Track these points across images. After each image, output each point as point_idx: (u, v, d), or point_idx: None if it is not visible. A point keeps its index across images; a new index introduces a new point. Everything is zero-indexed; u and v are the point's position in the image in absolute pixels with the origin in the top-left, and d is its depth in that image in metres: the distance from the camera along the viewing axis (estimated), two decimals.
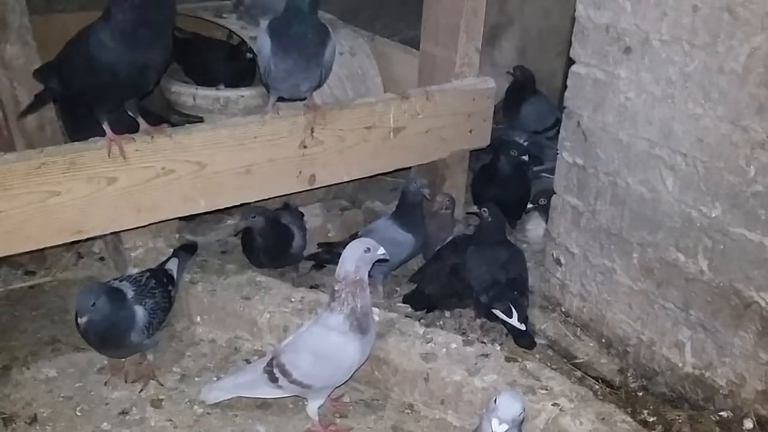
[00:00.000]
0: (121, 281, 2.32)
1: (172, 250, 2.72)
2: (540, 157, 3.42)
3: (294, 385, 2.09)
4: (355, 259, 2.05)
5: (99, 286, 2.26)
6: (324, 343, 2.07)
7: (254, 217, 2.67)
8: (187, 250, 2.66)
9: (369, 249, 2.06)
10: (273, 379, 2.11)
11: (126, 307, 2.21)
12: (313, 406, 2.15)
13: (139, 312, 2.23)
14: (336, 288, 2.07)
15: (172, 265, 2.50)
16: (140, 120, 2.41)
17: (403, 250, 2.80)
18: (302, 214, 3.05)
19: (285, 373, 2.08)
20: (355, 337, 2.06)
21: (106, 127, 2.31)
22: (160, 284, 2.36)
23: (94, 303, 2.10)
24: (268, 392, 2.18)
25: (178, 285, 2.51)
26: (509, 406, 1.60)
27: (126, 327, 2.20)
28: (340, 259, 2.08)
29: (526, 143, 3.54)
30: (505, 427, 1.58)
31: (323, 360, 2.07)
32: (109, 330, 2.18)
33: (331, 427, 2.21)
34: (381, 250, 2.08)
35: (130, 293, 2.25)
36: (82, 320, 2.08)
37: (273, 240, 2.74)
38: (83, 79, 2.25)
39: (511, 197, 3.13)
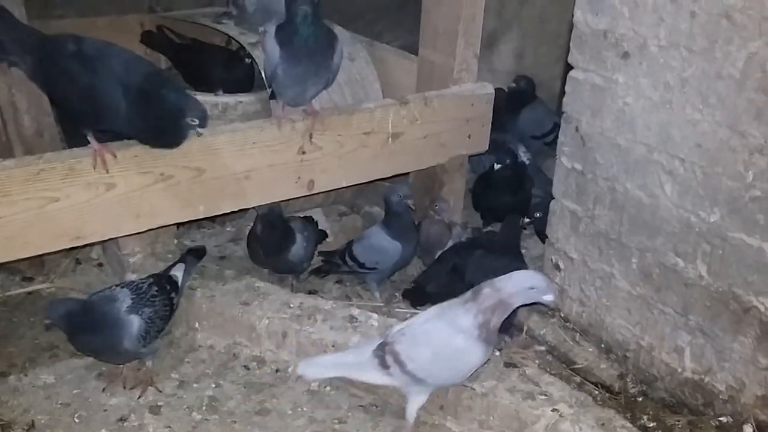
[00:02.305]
0: (121, 288, 2.31)
1: (170, 255, 2.72)
2: (532, 178, 3.41)
3: (406, 376, 2.04)
4: (518, 287, 1.98)
5: (66, 302, 2.27)
6: (448, 344, 2.00)
7: (268, 211, 2.70)
8: (194, 254, 2.64)
9: (534, 288, 1.98)
10: (384, 365, 2.06)
11: (115, 317, 2.20)
12: (414, 407, 2.12)
13: (135, 321, 2.21)
14: (483, 292, 1.99)
15: (178, 271, 2.48)
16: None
17: (390, 258, 2.81)
18: (325, 236, 3.08)
19: (399, 363, 2.03)
20: (480, 344, 1.99)
21: (91, 137, 2.28)
22: (162, 291, 2.34)
23: (53, 318, 2.17)
24: (377, 377, 2.10)
25: (183, 291, 2.50)
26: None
27: (117, 336, 2.20)
28: (509, 274, 2.02)
29: (528, 160, 3.55)
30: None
31: (443, 360, 2.02)
32: (98, 339, 2.21)
33: None
34: (548, 296, 2.00)
35: (127, 302, 2.24)
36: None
37: (273, 235, 2.74)
38: (72, 103, 2.26)
39: (511, 203, 3.13)
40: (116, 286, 2.36)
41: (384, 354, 2.06)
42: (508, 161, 3.18)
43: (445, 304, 2.12)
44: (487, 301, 1.97)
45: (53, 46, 2.21)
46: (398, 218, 2.82)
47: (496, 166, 3.18)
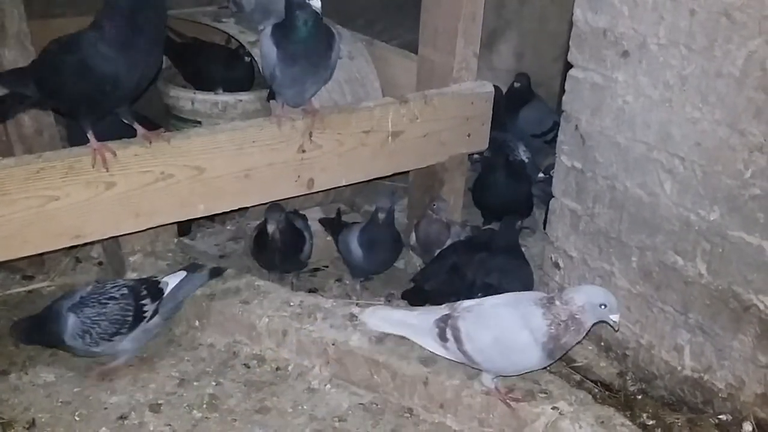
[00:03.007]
0: (95, 285, 2.36)
1: (170, 254, 2.73)
2: (530, 176, 3.44)
3: (461, 353, 2.05)
4: (588, 302, 1.93)
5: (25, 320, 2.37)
6: (512, 335, 1.97)
7: (280, 216, 2.71)
8: (210, 271, 2.60)
9: (605, 305, 1.93)
10: (443, 338, 2.07)
11: (57, 313, 2.27)
12: (486, 377, 2.13)
13: (70, 319, 2.24)
14: (555, 304, 1.95)
15: (174, 278, 2.45)
16: (137, 126, 2.40)
17: (353, 259, 2.86)
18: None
19: (458, 340, 2.03)
20: (541, 351, 1.96)
21: (90, 135, 2.28)
22: (129, 296, 2.32)
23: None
24: (433, 346, 2.13)
25: (174, 300, 2.44)
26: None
27: (57, 332, 2.26)
28: (577, 288, 2.02)
29: (527, 159, 3.58)
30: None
31: (502, 349, 2.00)
32: (47, 336, 2.31)
33: (512, 395, 2.14)
34: (615, 317, 1.94)
35: (75, 299, 2.28)
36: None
37: (289, 242, 2.77)
38: (72, 89, 2.23)
39: (509, 201, 3.16)
40: (96, 282, 2.39)
41: (445, 327, 2.06)
42: (484, 153, 3.25)
43: (521, 295, 2.11)
44: (561, 314, 1.93)
45: (40, 58, 2.31)
46: (373, 227, 2.83)
47: (475, 157, 3.25)
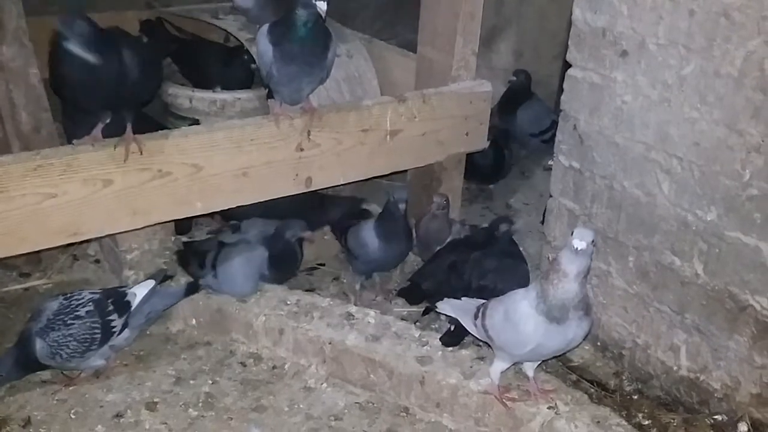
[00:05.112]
0: (64, 299, 2.32)
1: (167, 252, 2.72)
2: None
3: (482, 329, 2.15)
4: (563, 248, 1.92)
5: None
6: (514, 308, 2.04)
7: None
8: (188, 289, 2.54)
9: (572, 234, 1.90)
10: (476, 315, 2.19)
11: (29, 335, 2.25)
12: (496, 367, 2.17)
13: (38, 343, 2.23)
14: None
15: (141, 289, 2.39)
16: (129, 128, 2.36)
17: (368, 253, 2.80)
18: None
19: (483, 315, 2.14)
20: (539, 318, 1.96)
21: (98, 129, 2.30)
22: (95, 313, 2.28)
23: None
24: (468, 324, 2.24)
25: (142, 312, 2.39)
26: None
27: (31, 352, 2.24)
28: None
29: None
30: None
31: (507, 322, 2.06)
32: (26, 366, 2.30)
33: (509, 395, 2.18)
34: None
35: (43, 321, 2.25)
36: None
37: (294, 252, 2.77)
38: None
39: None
40: (63, 296, 2.34)
41: (482, 307, 2.19)
42: None
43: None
44: (548, 275, 1.95)
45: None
46: (389, 219, 2.81)
47: None
